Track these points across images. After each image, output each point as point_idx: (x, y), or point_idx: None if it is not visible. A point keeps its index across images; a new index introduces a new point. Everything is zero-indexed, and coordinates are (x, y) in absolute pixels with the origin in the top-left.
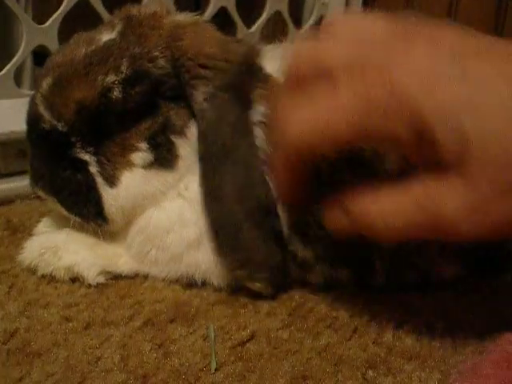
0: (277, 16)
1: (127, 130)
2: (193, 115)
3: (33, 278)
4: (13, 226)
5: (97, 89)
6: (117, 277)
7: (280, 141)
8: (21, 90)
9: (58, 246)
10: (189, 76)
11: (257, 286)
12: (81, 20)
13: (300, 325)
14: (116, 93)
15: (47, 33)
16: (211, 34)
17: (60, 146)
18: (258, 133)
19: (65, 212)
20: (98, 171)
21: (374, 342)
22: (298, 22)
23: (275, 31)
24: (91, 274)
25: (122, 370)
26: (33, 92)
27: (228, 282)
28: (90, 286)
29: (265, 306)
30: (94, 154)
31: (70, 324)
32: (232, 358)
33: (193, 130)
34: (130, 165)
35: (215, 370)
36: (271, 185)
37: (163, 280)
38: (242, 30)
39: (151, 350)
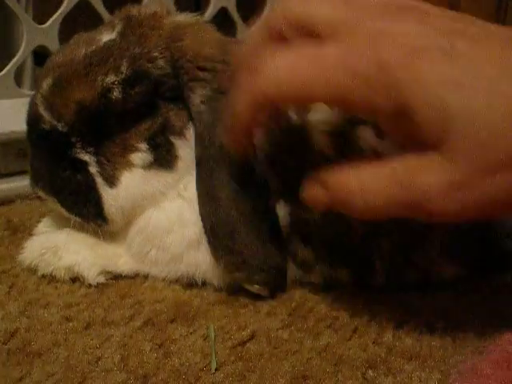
0: None
1: (127, 130)
2: (190, 117)
3: (33, 278)
4: (13, 226)
5: (97, 89)
6: (117, 277)
7: (252, 83)
8: (21, 89)
9: (59, 246)
10: (187, 78)
11: (255, 287)
12: (81, 20)
13: (300, 325)
14: (116, 93)
15: (48, 33)
16: (211, 34)
17: (60, 147)
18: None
19: (65, 212)
20: (98, 171)
21: (374, 342)
22: None
23: None
24: (91, 274)
25: (122, 369)
26: (33, 92)
27: (228, 282)
28: (90, 285)
29: (265, 305)
30: (94, 154)
31: (71, 324)
32: (232, 358)
33: (192, 131)
34: (129, 165)
35: (215, 369)
36: (269, 186)
37: (163, 280)
38: (241, 30)
39: (151, 349)
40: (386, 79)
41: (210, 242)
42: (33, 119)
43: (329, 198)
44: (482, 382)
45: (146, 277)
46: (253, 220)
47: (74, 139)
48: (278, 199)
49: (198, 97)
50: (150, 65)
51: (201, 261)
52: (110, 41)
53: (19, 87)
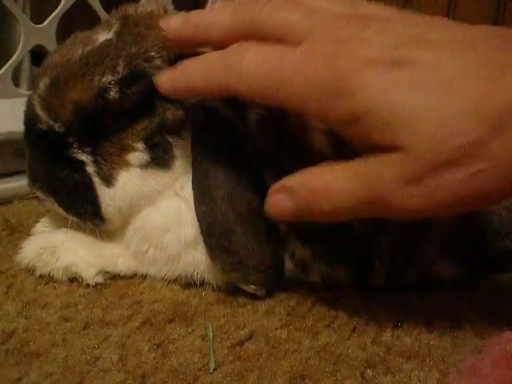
0: None
1: (124, 130)
2: (187, 116)
3: (31, 278)
4: (11, 226)
5: (93, 89)
6: (115, 277)
7: (229, 67)
8: (19, 89)
9: (56, 246)
10: None
11: (251, 288)
12: (79, 20)
13: (299, 324)
14: (113, 93)
15: (45, 32)
16: None
17: (57, 147)
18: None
19: (62, 212)
20: (95, 171)
21: (372, 342)
22: None
23: None
24: (89, 274)
25: (120, 369)
26: (31, 92)
27: (226, 281)
28: (88, 285)
29: (263, 305)
30: (91, 154)
31: (69, 324)
32: (230, 358)
33: (189, 131)
34: (126, 165)
35: (214, 369)
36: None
37: (161, 280)
38: None
39: (150, 349)
40: (340, 87)
41: (206, 242)
42: (30, 119)
43: (294, 203)
44: (481, 380)
45: (144, 277)
46: (249, 220)
47: (71, 139)
48: None
49: None
50: (146, 64)
51: (199, 260)
52: (106, 40)
53: (17, 87)
